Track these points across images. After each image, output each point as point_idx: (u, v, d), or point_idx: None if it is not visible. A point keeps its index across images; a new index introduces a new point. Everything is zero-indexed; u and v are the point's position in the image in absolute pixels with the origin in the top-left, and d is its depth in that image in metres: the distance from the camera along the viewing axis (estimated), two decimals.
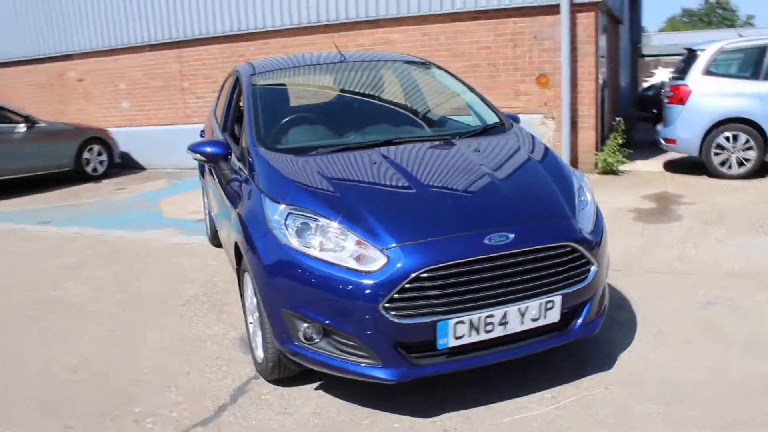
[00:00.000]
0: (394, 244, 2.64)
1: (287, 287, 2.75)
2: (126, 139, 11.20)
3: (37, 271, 5.47)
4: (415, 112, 4.26)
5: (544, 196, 3.04)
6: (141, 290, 4.75)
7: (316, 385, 3.12)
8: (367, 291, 2.57)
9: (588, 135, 8.40)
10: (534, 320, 2.75)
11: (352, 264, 2.64)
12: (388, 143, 3.44)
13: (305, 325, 2.73)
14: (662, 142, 8.22)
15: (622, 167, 8.35)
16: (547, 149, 3.53)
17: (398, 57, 4.66)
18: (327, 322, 2.68)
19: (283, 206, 2.90)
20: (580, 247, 2.83)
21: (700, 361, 3.14)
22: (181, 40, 10.74)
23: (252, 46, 10.22)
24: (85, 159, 10.25)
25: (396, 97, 4.33)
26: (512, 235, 2.70)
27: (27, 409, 3.13)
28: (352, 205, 2.83)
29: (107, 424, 2.94)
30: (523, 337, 2.80)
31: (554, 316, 2.79)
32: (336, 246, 2.71)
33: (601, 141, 8.85)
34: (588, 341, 3.32)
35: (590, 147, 8.41)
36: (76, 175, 10.19)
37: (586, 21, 8.07)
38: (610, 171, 8.24)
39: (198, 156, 3.66)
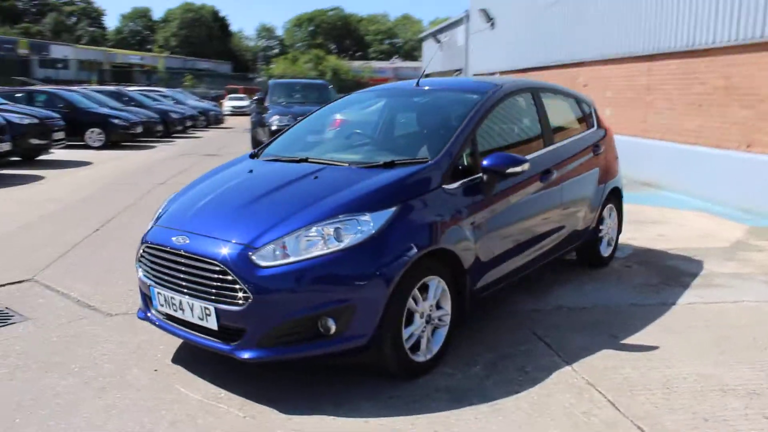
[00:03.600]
0: (153, 224, 3.72)
1: None
2: None
3: None
4: (392, 140, 4.57)
5: (265, 222, 3.29)
6: None
7: None
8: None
9: None
10: (200, 319, 3.23)
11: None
12: (303, 161, 4.04)
13: None
14: None
15: None
16: (380, 192, 3.43)
17: (466, 86, 4.83)
18: None
19: None
20: (231, 272, 3.08)
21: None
22: (651, 54, 10.73)
23: (702, 64, 9.43)
24: None
25: (403, 125, 4.68)
26: (188, 240, 3.33)
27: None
28: (179, 195, 3.96)
29: None
30: (206, 330, 3.26)
31: (212, 323, 3.19)
32: None
33: None
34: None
35: None
36: None
37: None
38: None
39: None
